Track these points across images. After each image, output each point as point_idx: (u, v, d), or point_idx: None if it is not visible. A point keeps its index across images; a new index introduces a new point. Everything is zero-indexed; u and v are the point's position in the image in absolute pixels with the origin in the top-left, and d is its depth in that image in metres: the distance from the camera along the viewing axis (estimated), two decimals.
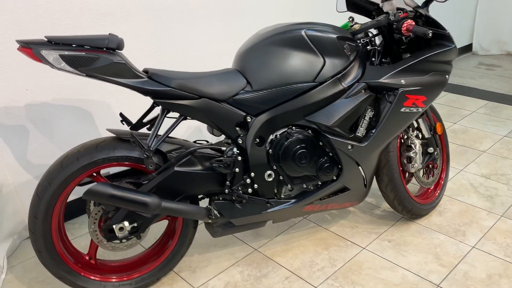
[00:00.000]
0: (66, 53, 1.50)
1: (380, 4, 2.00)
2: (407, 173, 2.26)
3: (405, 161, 2.19)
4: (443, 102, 4.05)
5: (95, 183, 1.62)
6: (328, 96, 1.83)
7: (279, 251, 2.13)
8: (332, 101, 1.84)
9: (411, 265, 2.02)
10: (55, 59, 1.49)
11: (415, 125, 2.23)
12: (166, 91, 1.65)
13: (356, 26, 1.99)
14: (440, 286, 1.89)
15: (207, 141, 2.00)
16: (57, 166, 1.64)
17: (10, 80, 2.04)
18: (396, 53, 2.03)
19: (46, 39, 1.52)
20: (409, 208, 2.22)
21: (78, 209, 2.43)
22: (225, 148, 1.82)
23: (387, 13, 1.96)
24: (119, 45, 1.59)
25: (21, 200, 2.22)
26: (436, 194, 2.40)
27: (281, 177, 1.89)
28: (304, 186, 1.93)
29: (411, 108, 1.95)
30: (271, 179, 1.86)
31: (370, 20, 2.13)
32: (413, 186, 2.56)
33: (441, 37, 1.98)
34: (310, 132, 1.88)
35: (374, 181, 2.38)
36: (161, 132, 1.84)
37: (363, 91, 1.87)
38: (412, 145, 2.16)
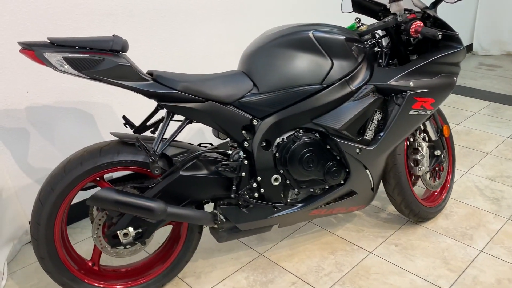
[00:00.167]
0: (70, 55, 1.46)
1: (388, 5, 1.97)
2: (413, 176, 2.23)
3: (412, 164, 2.16)
4: (445, 103, 4.03)
5: (100, 188, 1.59)
6: (336, 98, 1.79)
7: (285, 256, 2.10)
8: (340, 103, 1.81)
9: (419, 270, 1.99)
10: (58, 61, 1.46)
11: (422, 127, 2.20)
12: (172, 94, 1.61)
13: (363, 27, 1.96)
14: None
15: (212, 144, 1.97)
16: (60, 171, 1.60)
17: (10, 82, 2.00)
18: (403, 54, 2.00)
19: (49, 41, 1.48)
20: (416, 212, 2.19)
21: (79, 213, 2.39)
22: (231, 152, 1.79)
23: (394, 14, 1.93)
24: (124, 47, 1.55)
25: (21, 204, 2.18)
26: (442, 197, 2.37)
27: (287, 181, 1.86)
28: (311, 190, 1.90)
29: (420, 111, 1.92)
30: (277, 183, 1.83)
31: (377, 21, 2.11)
32: (418, 189, 2.53)
33: (450, 38, 1.95)
34: (318, 135, 1.84)
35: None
36: (166, 135, 1.80)
37: (371, 93, 1.84)
38: (419, 148, 2.14)
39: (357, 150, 1.86)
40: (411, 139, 2.17)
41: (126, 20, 2.29)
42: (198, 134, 2.84)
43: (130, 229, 1.66)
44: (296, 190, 1.88)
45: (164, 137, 1.67)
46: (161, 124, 1.89)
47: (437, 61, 1.91)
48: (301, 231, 2.28)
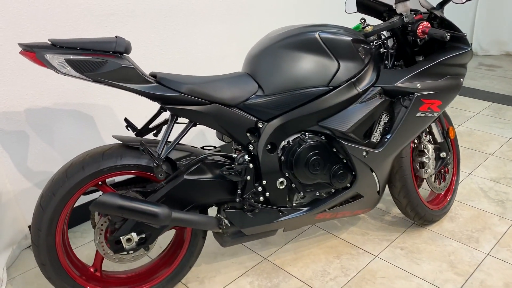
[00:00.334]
0: (72, 57, 1.42)
1: (394, 6, 1.94)
2: (418, 179, 2.21)
3: (417, 167, 2.14)
4: None
5: (103, 193, 1.55)
6: (343, 101, 1.77)
7: (289, 260, 2.07)
8: (346, 106, 1.78)
9: (426, 274, 1.96)
10: (60, 63, 1.42)
11: (428, 129, 2.17)
12: (176, 97, 1.58)
13: (369, 28, 1.93)
14: None
15: (215, 147, 1.93)
16: (62, 176, 1.57)
17: (9, 83, 1.95)
18: (409, 55, 1.97)
19: (50, 42, 1.44)
20: (422, 215, 2.16)
21: (79, 216, 2.35)
22: (235, 155, 1.76)
23: (400, 14, 1.90)
24: (127, 48, 1.52)
25: (20, 208, 2.13)
26: (447, 200, 2.35)
27: (293, 185, 1.82)
28: (317, 193, 1.87)
29: (427, 113, 1.89)
30: (283, 187, 1.80)
31: (382, 22, 2.08)
32: (422, 191, 2.51)
33: (457, 39, 1.92)
34: (324, 138, 1.81)
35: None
36: (169, 138, 1.76)
37: (378, 95, 1.81)
38: (425, 150, 2.11)
39: (364, 153, 1.83)
40: (417, 141, 2.14)
41: (127, 21, 2.25)
42: (199, 136, 2.80)
43: (133, 234, 1.63)
44: (301, 193, 1.85)
45: (168, 140, 1.63)
46: (164, 127, 1.87)
47: (444, 63, 1.89)
48: (305, 234, 2.25)
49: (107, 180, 1.70)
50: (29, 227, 2.19)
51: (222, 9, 2.66)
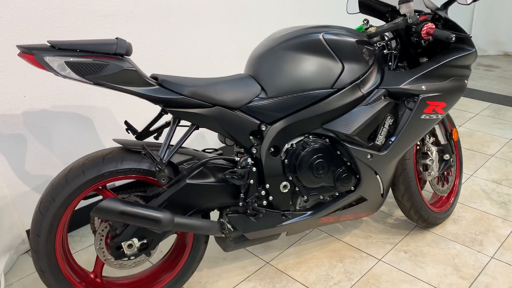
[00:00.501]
0: (72, 59, 1.39)
1: (397, 6, 1.92)
2: (421, 181, 2.18)
3: (421, 169, 2.11)
4: None
5: (102, 197, 1.52)
6: (347, 103, 1.74)
7: (292, 264, 2.04)
8: (351, 108, 1.76)
9: (431, 278, 1.94)
10: (59, 66, 1.38)
11: (431, 131, 2.15)
12: (179, 100, 1.55)
13: (372, 29, 1.90)
14: None
15: (216, 149, 1.90)
16: (61, 180, 1.53)
17: (6, 86, 1.91)
18: (413, 57, 1.95)
19: (49, 44, 1.41)
20: (425, 217, 2.14)
21: (78, 220, 2.31)
22: (238, 159, 1.73)
23: (404, 15, 1.88)
24: (128, 50, 1.48)
25: (18, 213, 2.09)
26: (450, 202, 2.33)
27: (297, 188, 1.80)
28: (321, 197, 1.85)
29: (431, 115, 1.87)
30: (286, 191, 1.77)
31: (384, 22, 2.06)
32: (425, 193, 2.48)
33: (461, 40, 1.90)
34: (328, 141, 1.79)
35: None
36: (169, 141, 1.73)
37: (383, 97, 1.79)
38: (429, 152, 2.09)
39: (369, 156, 1.80)
40: (420, 143, 2.12)
41: (126, 22, 2.21)
42: (199, 138, 2.77)
43: (135, 240, 1.60)
44: (305, 197, 1.83)
45: (170, 144, 1.60)
46: (165, 130, 1.84)
47: (449, 64, 1.86)
48: (307, 238, 2.22)
49: (108, 184, 1.67)
50: (27, 232, 2.15)
51: (221, 9, 2.63)
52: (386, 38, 1.95)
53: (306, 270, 2.00)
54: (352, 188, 1.87)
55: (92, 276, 1.71)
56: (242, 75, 1.74)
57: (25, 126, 2.01)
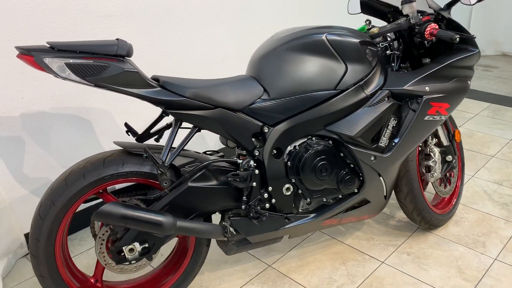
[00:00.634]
0: (72, 61, 1.36)
1: (400, 7, 1.90)
2: (423, 182, 2.17)
3: (423, 171, 2.10)
4: None
5: (102, 200, 1.49)
6: (351, 104, 1.72)
7: (294, 267, 2.02)
8: (354, 109, 1.74)
9: (434, 280, 1.92)
10: (59, 67, 1.36)
11: (433, 132, 2.13)
12: (181, 101, 1.52)
13: (375, 30, 1.88)
14: None
15: (217, 151, 1.88)
16: (61, 184, 1.50)
17: (3, 87, 1.88)
18: (416, 58, 1.93)
19: (48, 45, 1.38)
20: (428, 219, 2.13)
21: (77, 223, 2.28)
22: (240, 161, 1.70)
23: (406, 16, 1.86)
24: (129, 51, 1.46)
25: (16, 216, 2.06)
26: (452, 203, 2.31)
27: (299, 191, 1.78)
28: (324, 199, 1.83)
29: (435, 116, 1.85)
30: (289, 193, 1.75)
31: (386, 23, 2.05)
32: (426, 195, 2.47)
33: (465, 41, 1.88)
34: (331, 143, 1.77)
35: None
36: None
37: (386, 98, 1.77)
38: (431, 154, 2.07)
39: (372, 158, 1.78)
40: (423, 145, 2.11)
41: (125, 22, 2.19)
42: (199, 139, 2.75)
43: (136, 244, 1.57)
44: (308, 200, 1.80)
45: (171, 146, 1.58)
46: (166, 132, 1.81)
47: (452, 65, 1.85)
48: (309, 240, 2.20)
49: (108, 187, 1.64)
50: (25, 235, 2.12)
51: (221, 9, 2.60)
52: (389, 39, 1.94)
53: (308, 273, 1.98)
54: (356, 191, 1.85)
55: (92, 280, 1.68)
56: (244, 76, 1.72)
57: (23, 128, 1.98)
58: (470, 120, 3.64)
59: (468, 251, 2.10)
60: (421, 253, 2.09)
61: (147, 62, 2.34)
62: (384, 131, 1.80)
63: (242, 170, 1.67)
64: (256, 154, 1.68)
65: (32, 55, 1.34)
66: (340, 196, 1.86)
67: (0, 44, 1.82)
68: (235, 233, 1.71)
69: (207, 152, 1.86)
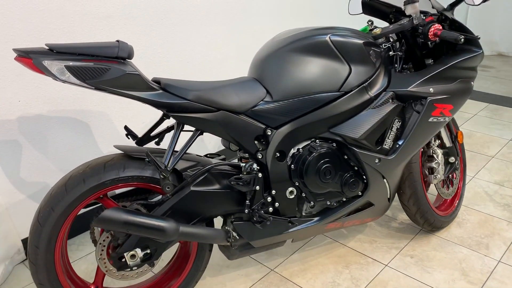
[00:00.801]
0: (72, 63, 1.32)
1: (403, 7, 1.88)
2: (426, 184, 2.15)
3: (426, 172, 2.08)
4: None
5: (106, 208, 1.45)
6: (355, 106, 1.70)
7: (297, 271, 1.99)
8: (358, 111, 1.71)
9: (439, 283, 1.90)
10: (59, 70, 1.32)
11: (436, 134, 2.12)
12: (183, 104, 1.49)
13: (377, 30, 1.86)
14: None
15: (219, 154, 1.85)
16: (61, 189, 1.47)
17: (0, 90, 1.84)
18: (419, 58, 1.91)
19: (47, 47, 1.34)
20: (431, 221, 2.11)
21: (76, 228, 2.24)
22: (243, 164, 1.67)
23: (409, 16, 1.84)
24: (130, 53, 1.42)
25: (13, 221, 2.02)
26: (454, 205, 2.30)
27: (303, 194, 1.75)
28: (328, 203, 1.80)
29: (439, 118, 1.83)
30: (293, 196, 1.73)
31: (388, 23, 2.03)
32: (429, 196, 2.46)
33: (469, 42, 1.87)
34: (335, 145, 1.74)
35: None
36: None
37: (390, 100, 1.75)
38: (434, 155, 2.05)
39: (376, 161, 1.76)
40: (425, 146, 2.09)
41: (124, 23, 2.15)
42: (198, 141, 2.71)
43: (138, 250, 1.54)
44: (312, 203, 1.78)
45: (174, 150, 1.55)
46: (166, 135, 1.78)
47: (456, 66, 1.83)
48: (311, 243, 2.18)
49: (108, 192, 1.60)
50: (23, 241, 2.08)
51: (221, 10, 2.57)
52: (391, 40, 1.91)
53: (311, 277, 1.96)
54: (360, 193, 1.82)
55: (93, 287, 1.65)
56: (247, 78, 1.69)
57: (20, 131, 1.94)
58: (469, 121, 3.63)
59: (472, 253, 2.08)
60: (425, 255, 2.07)
61: (145, 64, 2.30)
62: (389, 133, 1.78)
63: (245, 173, 1.64)
64: (259, 157, 1.65)
65: (30, 58, 1.30)
66: (344, 199, 1.83)
67: None
68: (238, 237, 1.68)
69: (208, 155, 1.83)
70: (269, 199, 1.68)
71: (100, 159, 1.54)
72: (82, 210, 2.10)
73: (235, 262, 2.06)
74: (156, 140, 1.75)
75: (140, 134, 2.28)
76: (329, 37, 1.66)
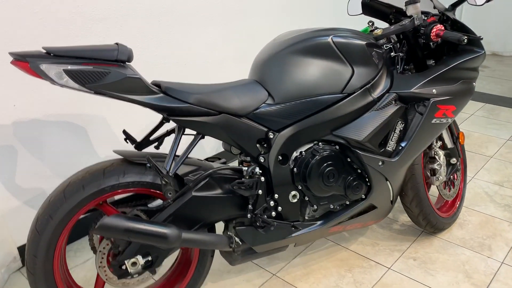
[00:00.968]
0: (70, 67, 1.29)
1: (404, 8, 1.86)
2: (428, 186, 2.13)
3: (428, 174, 2.06)
4: None
5: (105, 216, 1.42)
6: (358, 108, 1.67)
7: (300, 276, 1.97)
8: (361, 113, 1.69)
9: (443, 286, 1.88)
10: (57, 74, 1.28)
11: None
12: (184, 108, 1.46)
13: (378, 31, 1.84)
14: None
15: (219, 158, 1.82)
16: (59, 196, 1.43)
17: None
18: (420, 59, 1.89)
19: (44, 51, 1.31)
20: (433, 223, 2.09)
21: (73, 234, 2.20)
22: (245, 168, 1.64)
23: (410, 16, 1.82)
24: (129, 56, 1.39)
25: (9, 228, 1.98)
26: (456, 206, 2.28)
27: (306, 198, 1.72)
28: (331, 206, 1.78)
29: (442, 119, 1.81)
30: (295, 200, 1.70)
31: (388, 24, 2.01)
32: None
33: (471, 42, 1.85)
34: (338, 148, 1.72)
35: None
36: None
37: (393, 102, 1.73)
38: (436, 157, 2.04)
39: (380, 163, 1.74)
40: (427, 148, 2.07)
41: (120, 25, 2.11)
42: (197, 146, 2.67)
43: (139, 257, 1.50)
44: (315, 207, 1.75)
45: (175, 154, 1.51)
46: (166, 139, 1.75)
47: (459, 67, 1.81)
48: (313, 247, 2.15)
49: (108, 199, 1.57)
50: (19, 248, 2.03)
51: (218, 11, 2.54)
52: (393, 41, 1.90)
53: (314, 281, 1.93)
54: (363, 196, 1.80)
55: None
56: (248, 80, 1.66)
57: (16, 136, 1.89)
58: (466, 121, 3.63)
59: (475, 255, 2.07)
60: (427, 257, 2.06)
61: (143, 66, 2.27)
62: (392, 135, 1.76)
63: (247, 177, 1.61)
64: (261, 160, 1.63)
65: (27, 61, 1.26)
66: (347, 203, 1.81)
67: None
68: (240, 243, 1.65)
69: (208, 159, 1.80)
70: (271, 203, 1.65)
71: (99, 165, 1.51)
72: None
73: (237, 268, 2.03)
74: (155, 144, 1.72)
75: (138, 138, 2.24)
76: (332, 39, 1.64)
